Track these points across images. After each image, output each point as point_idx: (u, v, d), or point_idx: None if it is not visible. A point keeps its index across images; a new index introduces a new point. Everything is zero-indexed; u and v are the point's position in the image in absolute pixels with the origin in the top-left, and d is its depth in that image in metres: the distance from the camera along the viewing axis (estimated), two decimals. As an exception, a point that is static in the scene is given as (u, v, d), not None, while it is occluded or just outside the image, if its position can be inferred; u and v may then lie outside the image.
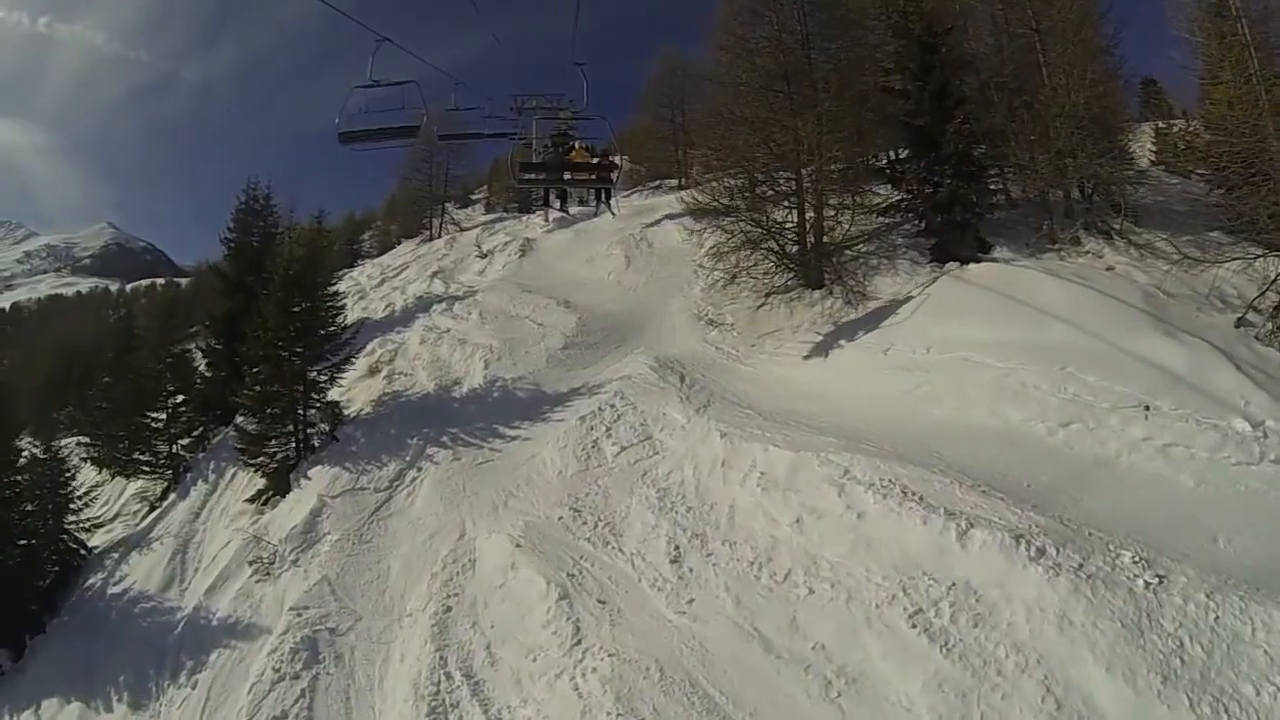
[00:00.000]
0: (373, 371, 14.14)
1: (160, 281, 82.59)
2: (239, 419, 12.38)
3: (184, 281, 52.49)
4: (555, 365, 12.28)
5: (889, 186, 13.04)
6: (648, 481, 8.31)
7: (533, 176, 11.14)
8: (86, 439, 16.86)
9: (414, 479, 9.76)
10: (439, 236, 27.84)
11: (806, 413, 8.99)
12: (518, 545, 7.66)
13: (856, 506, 6.59)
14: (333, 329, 12.60)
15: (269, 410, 11.57)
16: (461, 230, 27.40)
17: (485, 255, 20.56)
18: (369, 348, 15.36)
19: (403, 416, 11.60)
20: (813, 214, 12.10)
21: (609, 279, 16.00)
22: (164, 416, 15.94)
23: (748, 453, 7.82)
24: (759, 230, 12.10)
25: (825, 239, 12.05)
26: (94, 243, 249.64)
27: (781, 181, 12.42)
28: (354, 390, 13.59)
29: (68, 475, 14.83)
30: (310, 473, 10.71)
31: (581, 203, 22.35)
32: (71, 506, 14.61)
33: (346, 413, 12.45)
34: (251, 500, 11.53)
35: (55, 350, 41.33)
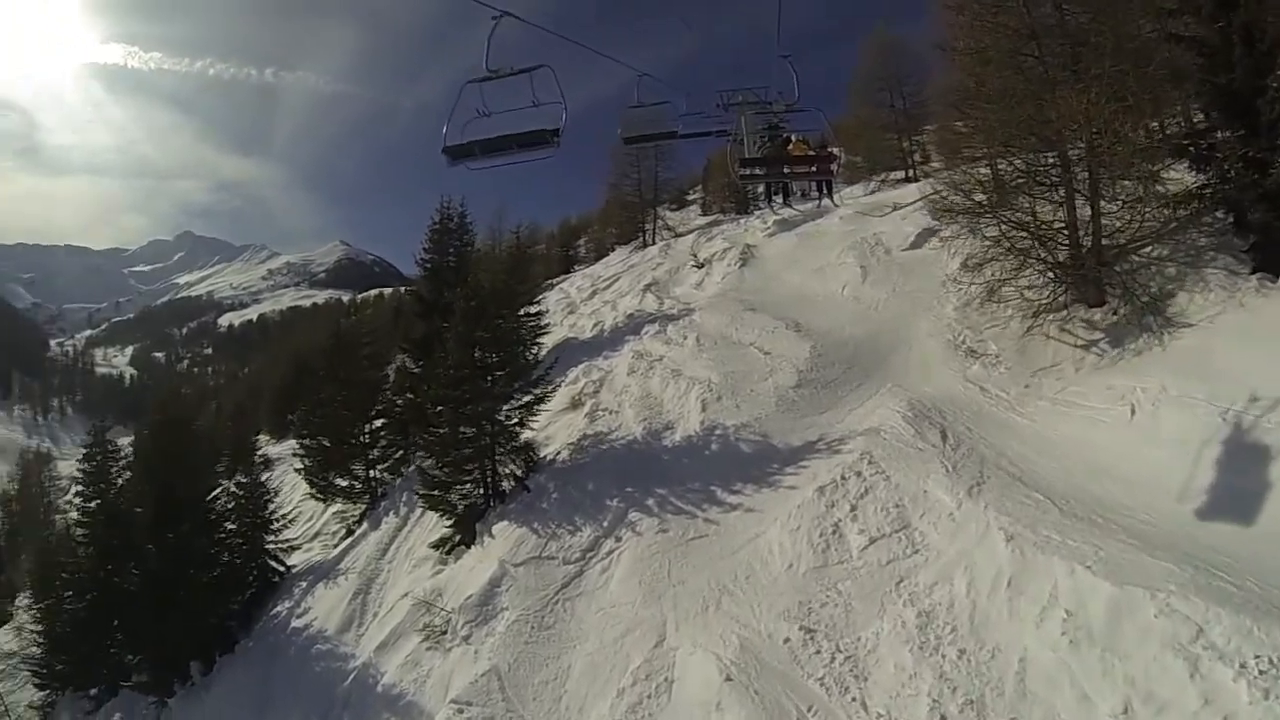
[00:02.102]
0: (575, 405, 14.29)
1: (387, 291, 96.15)
2: (422, 459, 13.20)
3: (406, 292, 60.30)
4: (785, 409, 11.29)
5: (1186, 168, 10.54)
6: (904, 596, 6.92)
7: (752, 172, 11.83)
8: (301, 451, 18.98)
9: (611, 551, 9.31)
10: (652, 243, 29.08)
11: (1118, 503, 7.15)
12: (728, 678, 6.71)
13: (1220, 701, 4.71)
14: (524, 363, 13.01)
15: (453, 455, 12.03)
16: (676, 236, 28.19)
17: (702, 265, 20.57)
18: (573, 375, 15.74)
19: (603, 467, 11.30)
20: (1087, 208, 10.33)
21: (843, 294, 14.98)
22: (365, 437, 17.61)
23: (1045, 572, 6.20)
24: (1020, 233, 10.80)
25: (1105, 240, 10.21)
26: (328, 259, 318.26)
27: (1045, 168, 10.90)
28: (553, 426, 13.82)
29: (267, 497, 17.19)
30: (495, 529, 10.91)
31: (803, 195, 23.37)
32: (273, 527, 16.95)
33: (543, 454, 12.62)
34: (435, 546, 12.11)
35: (289, 356, 48.65)
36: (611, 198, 34.25)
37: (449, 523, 12.10)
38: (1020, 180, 11.03)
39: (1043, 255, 10.74)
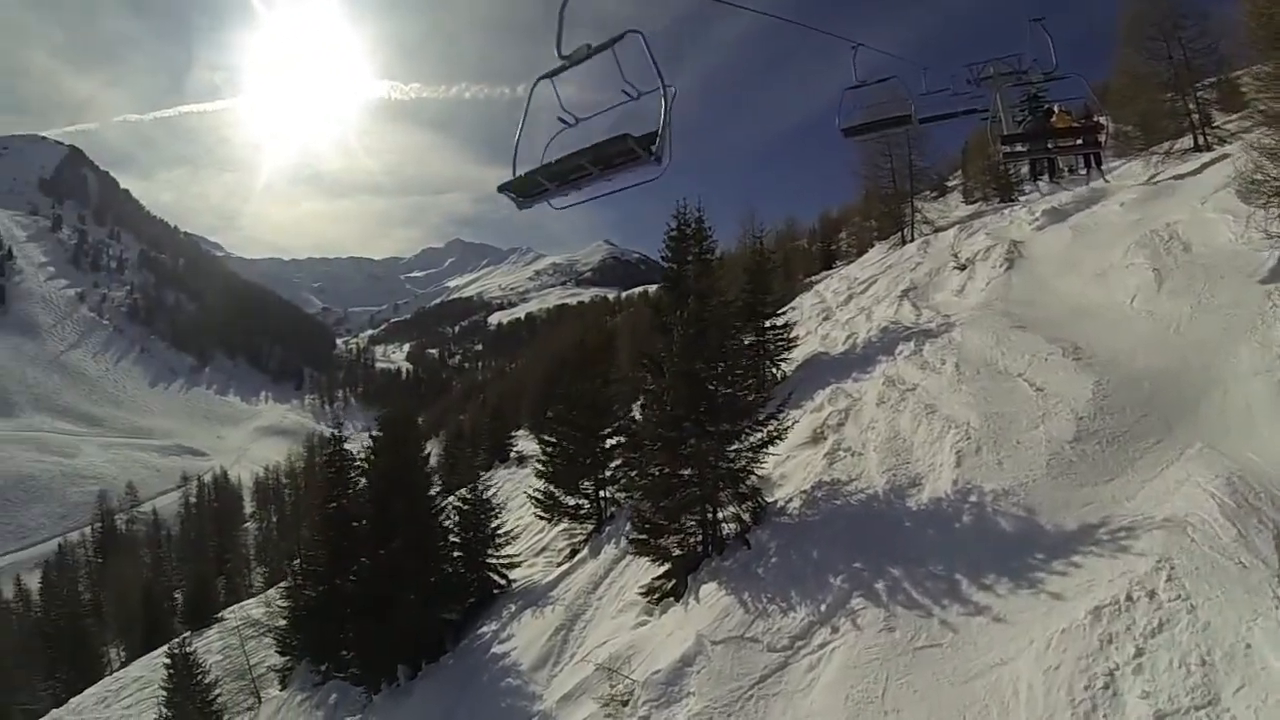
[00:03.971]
0: (816, 439, 13.93)
1: (652, 288, 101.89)
2: (637, 499, 13.33)
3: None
4: (1059, 473, 9.62)
5: None
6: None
7: (1014, 149, 12.03)
8: (544, 455, 20.38)
9: (824, 645, 8.58)
10: (911, 239, 29.21)
11: None
12: None
13: None
14: (756, 397, 12.49)
15: (668, 501, 11.97)
16: (936, 231, 27.59)
17: (963, 266, 19.63)
18: (819, 399, 15.51)
19: (835, 530, 10.62)
20: None
21: (1132, 306, 12.89)
22: (599, 454, 18.67)
23: None
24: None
25: None
26: (593, 258, 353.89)
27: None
28: (790, 463, 13.58)
29: (491, 512, 18.87)
30: (704, 590, 10.75)
31: (1070, 172, 23.65)
32: (496, 541, 18.64)
33: (773, 499, 12.36)
34: (645, 593, 12.33)
35: (549, 354, 52.90)
36: (868, 190, 34.50)
37: (660, 570, 12.25)
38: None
39: None
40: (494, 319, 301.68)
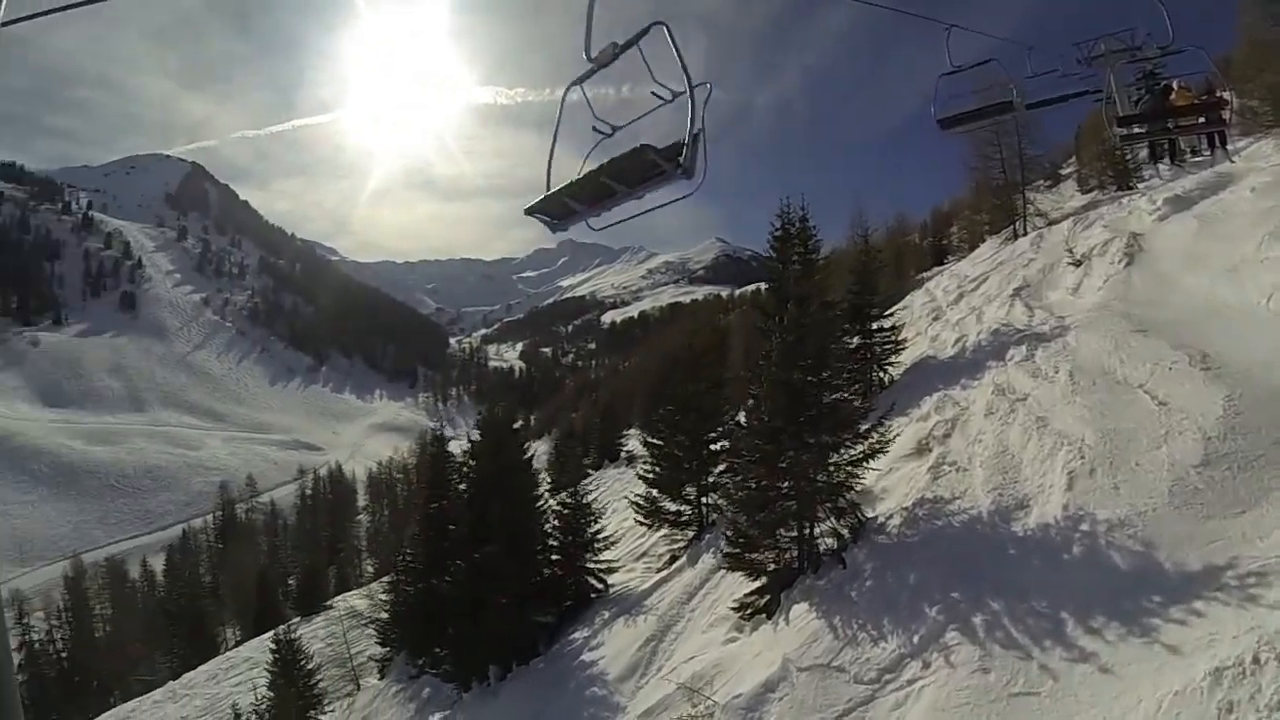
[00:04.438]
0: (920, 450, 13.46)
1: (765, 286, 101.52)
2: (733, 512, 13.16)
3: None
4: (1183, 502, 8.60)
5: None
6: None
7: (1131, 131, 11.17)
8: (648, 459, 20.77)
9: (913, 681, 8.12)
10: (1023, 233, 28.31)
11: None
12: None
13: None
14: (858, 408, 12.18)
15: (762, 515, 11.81)
16: (1049, 223, 26.47)
17: (1079, 262, 18.59)
18: (925, 407, 14.98)
19: (934, 552, 10.11)
20: None
21: (1268, 307, 11.76)
22: (705, 458, 18.80)
23: None
24: None
25: None
26: (705, 256, 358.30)
27: None
28: (893, 476, 13.17)
29: (591, 517, 19.18)
30: (794, 611, 10.54)
31: (1192, 152, 23.00)
32: (595, 546, 18.94)
33: (873, 514, 11.99)
34: (737, 608, 12.20)
35: (661, 353, 53.35)
36: (978, 181, 33.82)
37: (753, 585, 12.10)
38: None
39: None
40: (607, 317, 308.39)
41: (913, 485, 12.16)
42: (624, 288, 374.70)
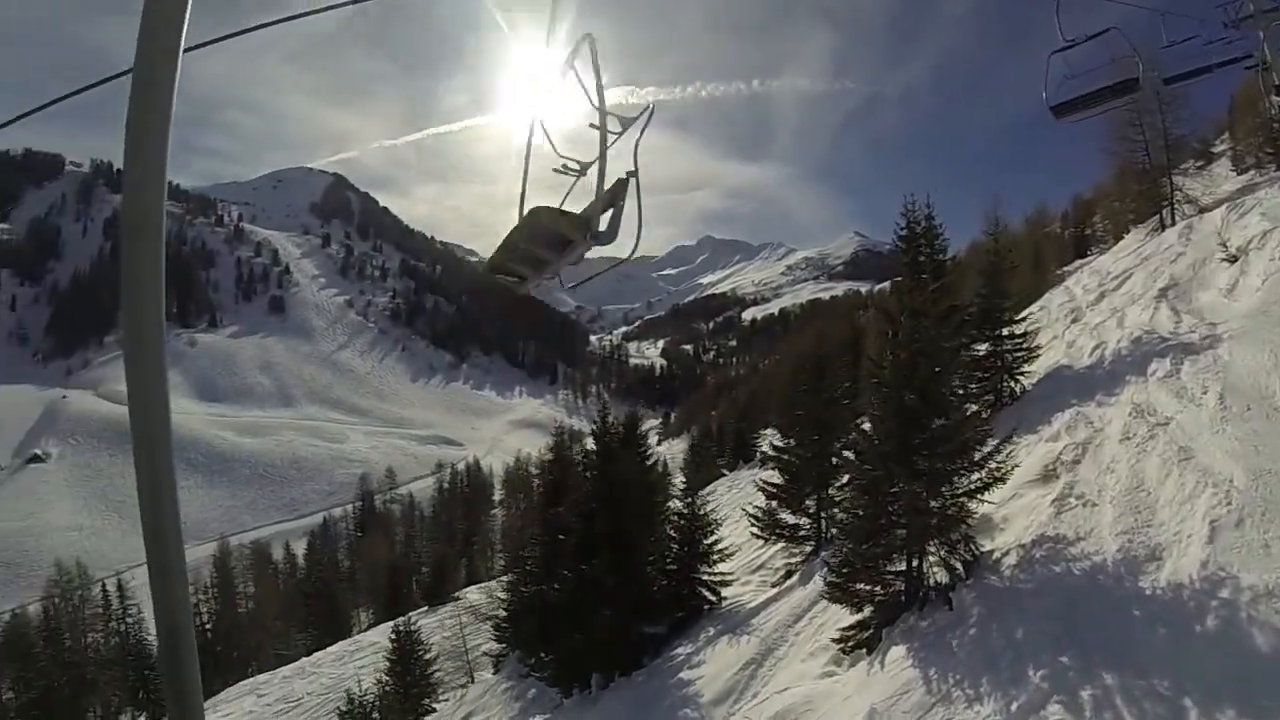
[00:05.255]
0: (1047, 476, 12.39)
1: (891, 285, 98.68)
2: (839, 541, 12.66)
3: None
4: None
5: None
6: None
7: None
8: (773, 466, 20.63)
9: (1000, 761, 7.46)
10: (1171, 223, 26.36)
11: None
12: None
13: None
14: (976, 432, 11.16)
15: (868, 546, 11.21)
16: (1200, 211, 24.46)
17: (1234, 258, 16.94)
18: (1056, 425, 13.94)
19: (1047, 604, 8.98)
20: None
21: None
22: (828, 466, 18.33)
23: None
24: None
25: None
26: (843, 251, 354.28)
27: None
28: (1014, 503, 12.15)
29: (708, 529, 18.91)
30: (891, 653, 9.86)
31: None
32: (711, 557, 18.72)
33: (988, 548, 11.07)
34: (839, 639, 11.68)
35: (797, 352, 53.04)
36: (1120, 166, 31.58)
37: (855, 617, 11.54)
38: None
39: None
40: (747, 314, 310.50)
41: (1034, 518, 11.19)
42: (764, 284, 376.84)
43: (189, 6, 0.78)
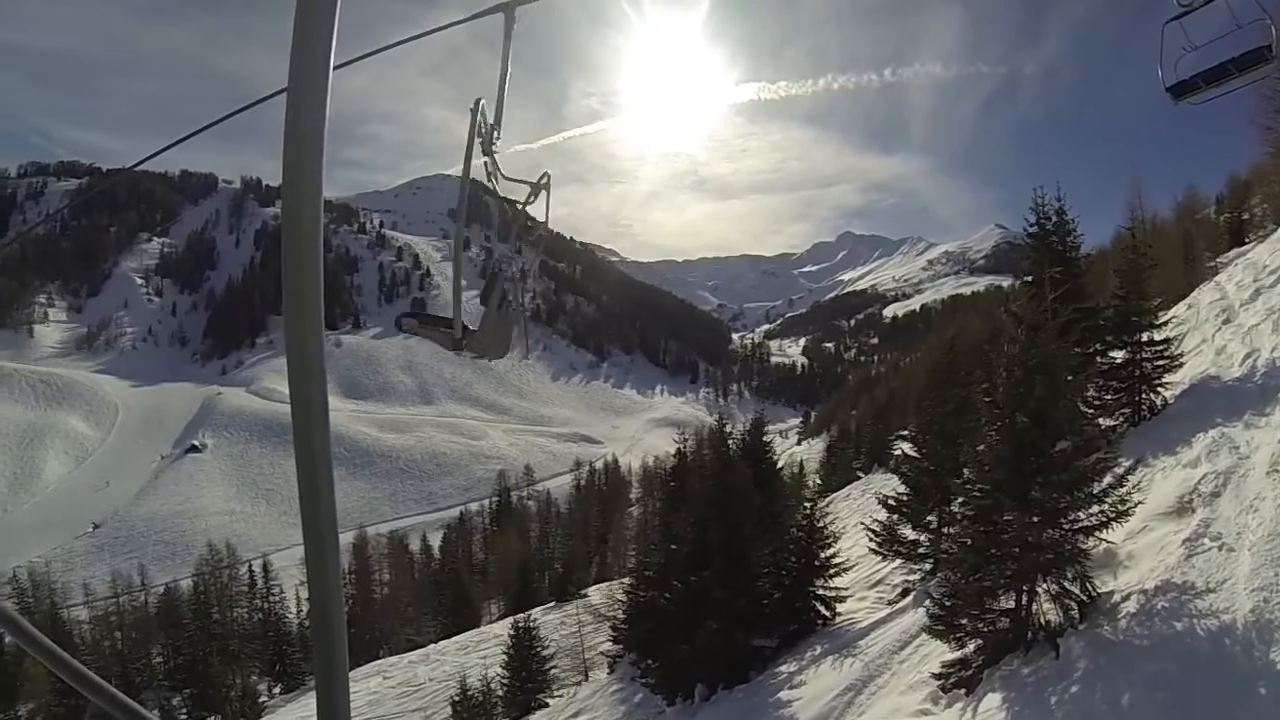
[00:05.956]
0: (1181, 509, 10.83)
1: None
2: (943, 575, 11.99)
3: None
4: None
5: None
6: None
7: None
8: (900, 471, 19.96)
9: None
10: None
11: None
12: None
13: None
14: (1095, 460, 9.88)
15: (973, 583, 10.38)
16: None
17: None
18: (1196, 449, 12.28)
19: (1161, 667, 7.80)
20: None
21: None
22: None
23: None
24: None
25: None
26: (984, 244, 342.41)
27: None
28: (1143, 537, 10.75)
29: (826, 540, 18.57)
30: (985, 701, 9.09)
31: None
32: (829, 571, 18.43)
33: (1107, 589, 9.85)
34: (939, 675, 10.95)
35: (938, 347, 51.68)
36: (1276, 143, 28.95)
37: (956, 655, 10.76)
38: None
39: None
40: (888, 311, 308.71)
41: (1161, 559, 9.83)
42: (904, 280, 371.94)
43: (336, 23, 0.79)
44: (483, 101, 2.69)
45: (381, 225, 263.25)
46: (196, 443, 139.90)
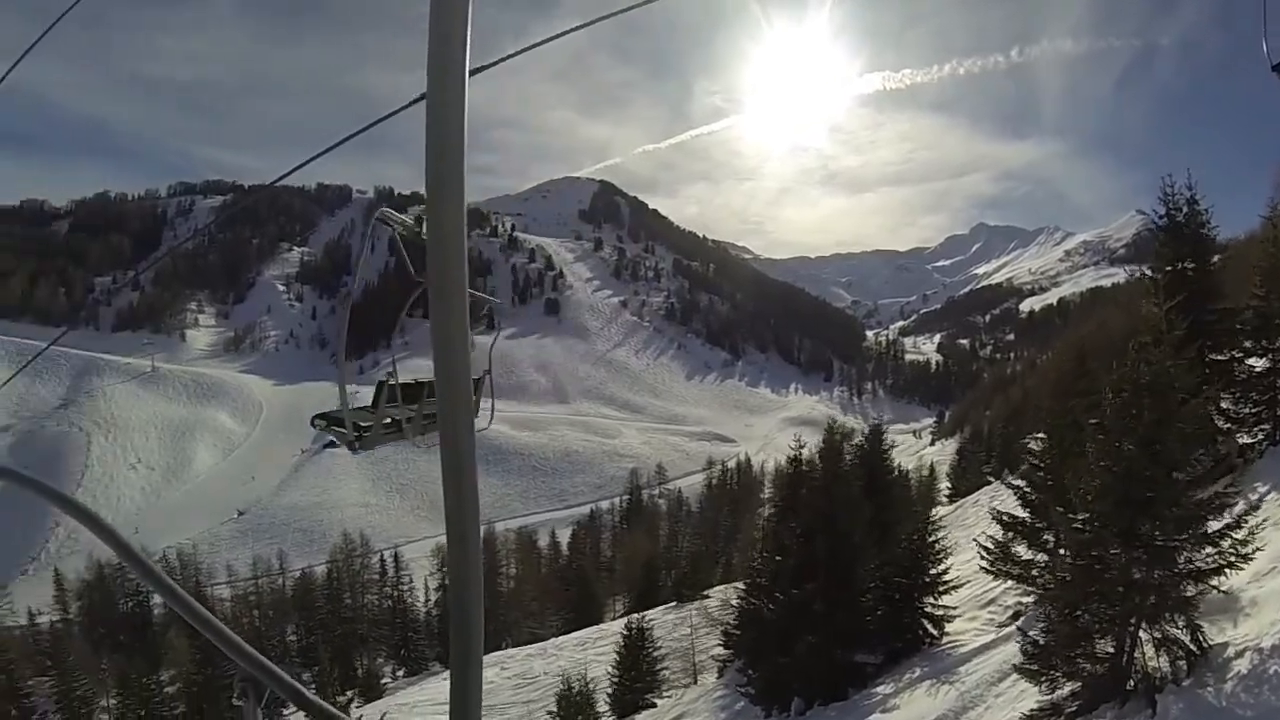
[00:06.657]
0: None
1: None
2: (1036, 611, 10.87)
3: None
4: None
5: None
6: None
7: None
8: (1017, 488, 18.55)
9: None
10: None
11: None
12: None
13: None
14: (1208, 496, 8.82)
15: (1069, 625, 9.54)
16: None
17: None
18: None
19: None
20: None
21: None
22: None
23: None
24: None
25: None
26: (1125, 232, 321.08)
27: None
28: (1272, 582, 9.54)
29: (936, 555, 17.90)
30: None
31: None
32: (939, 588, 17.79)
33: (1220, 640, 8.78)
34: (1028, 718, 10.25)
35: (1067, 351, 49.28)
36: None
37: (1048, 697, 9.99)
38: None
39: None
40: (1024, 305, 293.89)
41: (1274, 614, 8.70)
42: (1041, 273, 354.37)
43: (469, 30, 0.83)
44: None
45: (513, 228, 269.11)
46: (335, 439, 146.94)
